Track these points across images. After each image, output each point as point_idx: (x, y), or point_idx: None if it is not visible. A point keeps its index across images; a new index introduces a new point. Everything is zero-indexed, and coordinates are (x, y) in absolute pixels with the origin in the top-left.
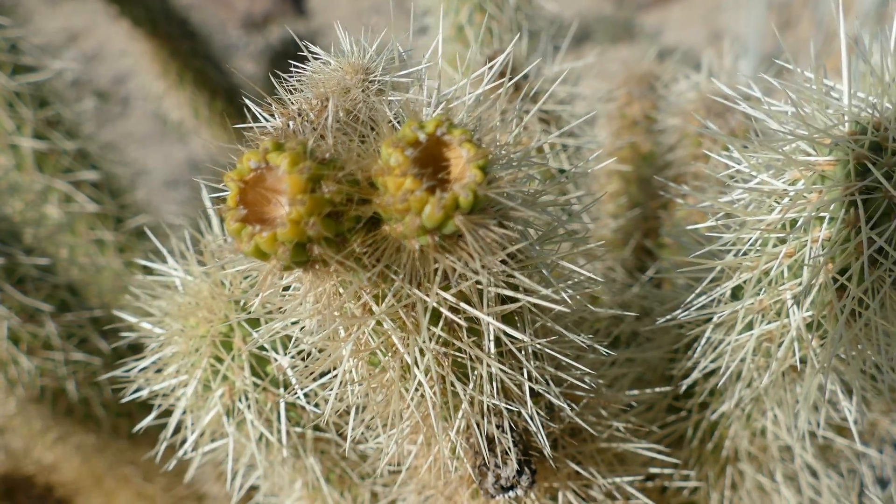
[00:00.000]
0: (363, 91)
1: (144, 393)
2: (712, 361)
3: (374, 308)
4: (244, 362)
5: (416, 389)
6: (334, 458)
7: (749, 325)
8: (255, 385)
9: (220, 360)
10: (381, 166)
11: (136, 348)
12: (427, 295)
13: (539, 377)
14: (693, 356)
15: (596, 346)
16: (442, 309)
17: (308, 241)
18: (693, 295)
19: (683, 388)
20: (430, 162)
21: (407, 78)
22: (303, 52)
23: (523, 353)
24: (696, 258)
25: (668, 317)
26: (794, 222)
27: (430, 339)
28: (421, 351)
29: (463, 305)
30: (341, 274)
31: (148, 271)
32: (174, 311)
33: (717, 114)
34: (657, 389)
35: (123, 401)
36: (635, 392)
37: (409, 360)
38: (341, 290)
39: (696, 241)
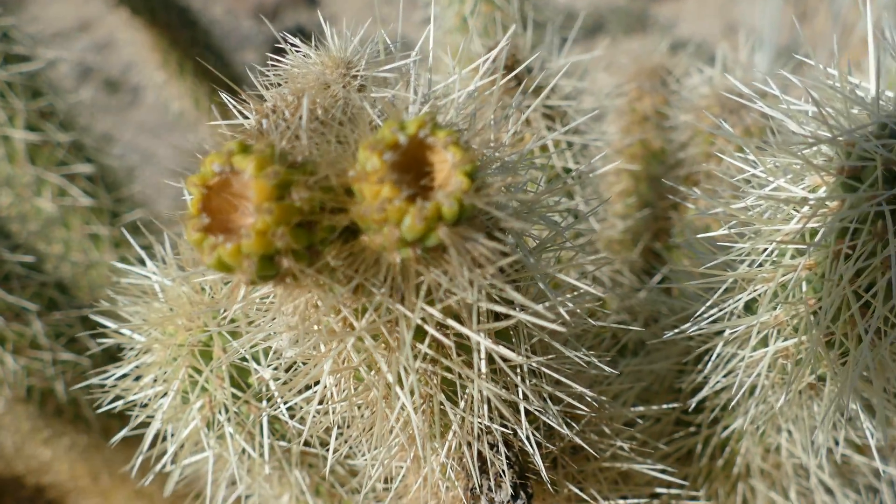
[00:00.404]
0: (344, 87)
1: (120, 404)
2: (724, 377)
3: (355, 323)
4: (224, 373)
5: (402, 409)
6: (323, 472)
7: (764, 341)
8: (236, 397)
9: (198, 371)
10: (358, 172)
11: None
12: (411, 311)
13: (536, 397)
14: (703, 370)
15: (598, 363)
16: (427, 326)
17: (276, 253)
18: (704, 307)
19: (693, 403)
20: (412, 167)
21: (393, 73)
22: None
23: (518, 370)
24: (708, 269)
25: (677, 330)
26: (814, 232)
27: (416, 358)
28: (405, 370)
29: (450, 322)
30: (315, 288)
31: (126, 274)
32: (152, 317)
33: (732, 110)
34: (665, 406)
35: (102, 409)
36: (641, 408)
37: (393, 380)
38: (319, 303)
39: (708, 249)
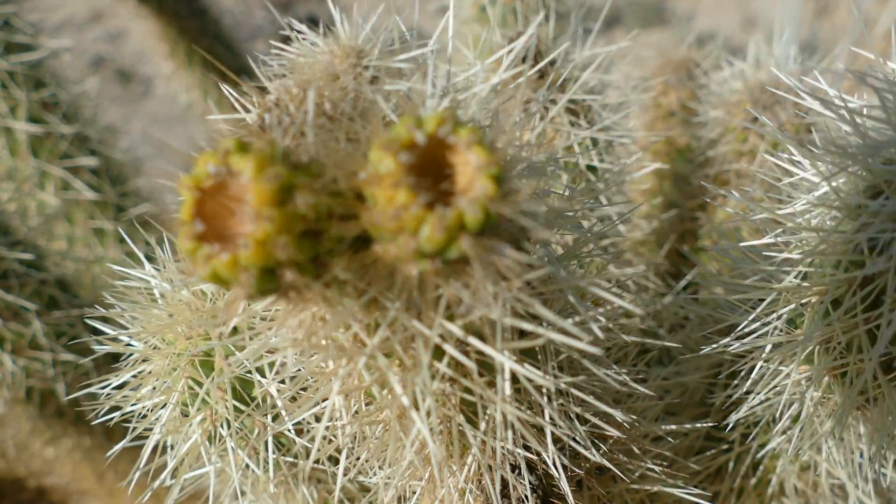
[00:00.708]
0: (354, 78)
1: (117, 415)
2: (764, 395)
3: (366, 340)
4: (226, 385)
5: (418, 432)
6: (332, 487)
7: (809, 358)
8: (239, 411)
9: (199, 383)
10: (370, 174)
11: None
12: (428, 327)
13: (563, 418)
14: (738, 384)
15: (630, 381)
16: (446, 345)
17: (277, 265)
18: (746, 322)
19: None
20: (431, 169)
21: (408, 63)
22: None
23: (544, 391)
24: (754, 283)
25: (716, 346)
26: (873, 243)
27: (433, 379)
28: (422, 392)
29: (472, 340)
30: (322, 303)
31: (123, 277)
32: (150, 325)
33: (766, 106)
34: (698, 425)
35: (99, 419)
36: (672, 427)
37: (408, 404)
38: (326, 318)
39: (746, 256)
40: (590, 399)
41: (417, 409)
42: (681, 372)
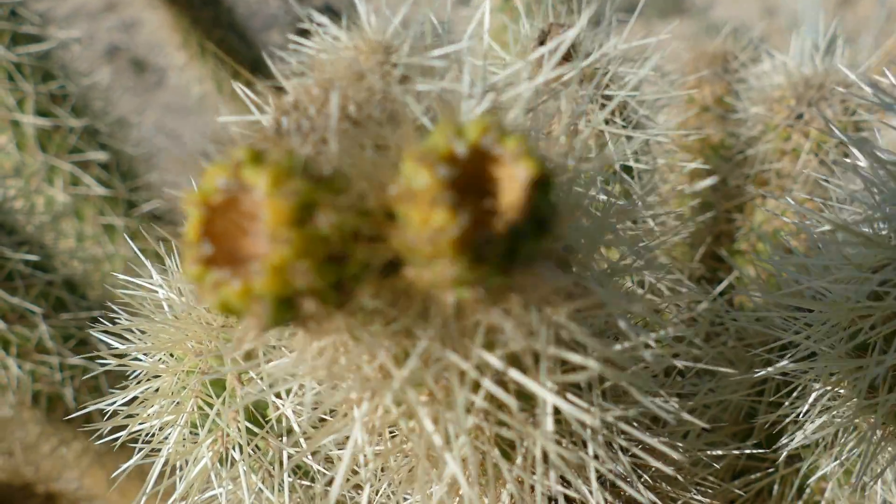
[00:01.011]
0: (383, 77)
1: (123, 435)
2: (818, 421)
3: (393, 372)
4: (239, 405)
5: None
6: None
7: (874, 383)
8: (252, 433)
9: (209, 404)
10: (402, 189)
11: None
12: (465, 358)
13: (607, 451)
14: (786, 403)
15: (680, 410)
16: (484, 379)
17: (295, 294)
18: (799, 338)
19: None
20: (472, 183)
21: (443, 60)
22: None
23: (588, 423)
24: (826, 307)
25: (773, 368)
26: None
27: (468, 414)
28: (455, 430)
29: (512, 373)
30: (344, 332)
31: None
32: (157, 340)
33: (810, 103)
34: (749, 450)
35: (104, 439)
36: (719, 452)
37: (439, 444)
38: (350, 346)
39: (800, 269)
40: (643, 436)
41: (450, 449)
42: (722, 387)
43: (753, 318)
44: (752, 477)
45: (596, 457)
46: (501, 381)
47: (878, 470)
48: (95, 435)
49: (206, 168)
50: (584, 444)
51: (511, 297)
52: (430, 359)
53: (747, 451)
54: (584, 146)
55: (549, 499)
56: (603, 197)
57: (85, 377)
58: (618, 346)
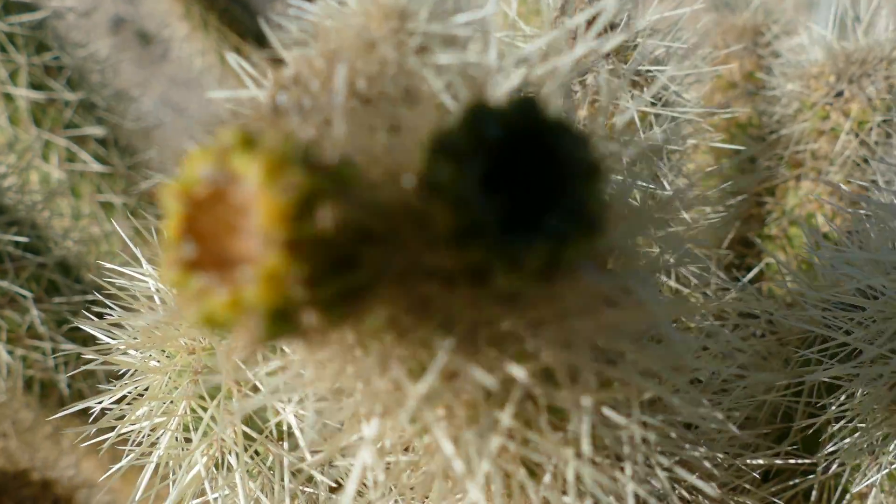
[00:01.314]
0: (397, 48)
1: (112, 437)
2: (862, 429)
3: (407, 387)
4: (235, 411)
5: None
6: None
7: None
8: (250, 438)
9: (203, 407)
10: (424, 181)
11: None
12: (490, 371)
13: (645, 472)
14: (825, 404)
15: (733, 428)
16: (511, 395)
17: (293, 305)
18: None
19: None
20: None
21: (466, 28)
22: None
23: (626, 440)
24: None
25: (816, 373)
26: None
27: (492, 433)
28: (478, 454)
29: (543, 389)
30: (351, 343)
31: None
32: (146, 334)
33: (851, 80)
34: (792, 460)
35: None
36: (761, 461)
37: (460, 470)
38: (357, 359)
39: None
40: (683, 449)
41: (472, 472)
42: (753, 386)
43: (794, 315)
44: (791, 483)
45: (635, 477)
46: (530, 396)
47: None
48: (83, 436)
49: (189, 155)
50: (620, 462)
51: (546, 305)
52: (451, 372)
53: (784, 455)
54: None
55: None
56: (642, 184)
57: (79, 363)
58: (660, 352)
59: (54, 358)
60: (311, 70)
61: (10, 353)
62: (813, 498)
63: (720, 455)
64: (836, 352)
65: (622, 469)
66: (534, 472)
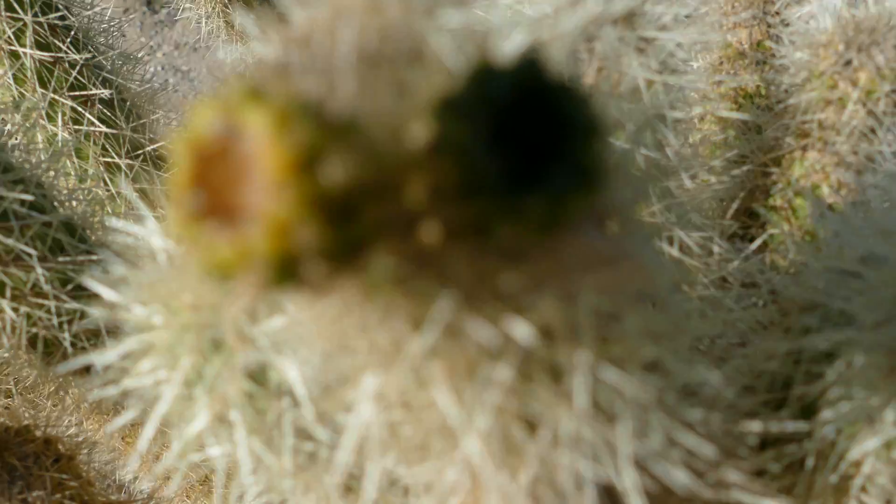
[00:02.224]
0: (403, 8)
1: (113, 391)
2: (857, 397)
3: (408, 342)
4: (238, 366)
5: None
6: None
7: None
8: (252, 395)
9: (205, 363)
10: (424, 139)
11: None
12: (492, 327)
13: (639, 431)
14: (823, 374)
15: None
16: (510, 349)
17: (299, 253)
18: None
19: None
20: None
21: None
22: None
23: (622, 400)
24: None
25: (813, 339)
26: None
27: (492, 390)
28: (476, 409)
29: (543, 343)
30: (354, 293)
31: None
32: (150, 289)
33: (861, 48)
34: (787, 428)
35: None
36: (756, 427)
37: (456, 425)
38: (360, 307)
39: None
40: (681, 411)
41: (469, 427)
42: (753, 354)
43: (794, 283)
44: (786, 450)
45: (628, 435)
46: (529, 352)
47: None
48: (85, 392)
49: (198, 107)
50: (613, 422)
51: (547, 260)
52: (452, 326)
53: (782, 423)
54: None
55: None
56: (643, 150)
57: (83, 322)
58: (658, 316)
59: (58, 316)
60: (317, 29)
61: (15, 310)
62: (808, 465)
63: (717, 418)
64: (838, 321)
65: (617, 428)
66: (531, 429)
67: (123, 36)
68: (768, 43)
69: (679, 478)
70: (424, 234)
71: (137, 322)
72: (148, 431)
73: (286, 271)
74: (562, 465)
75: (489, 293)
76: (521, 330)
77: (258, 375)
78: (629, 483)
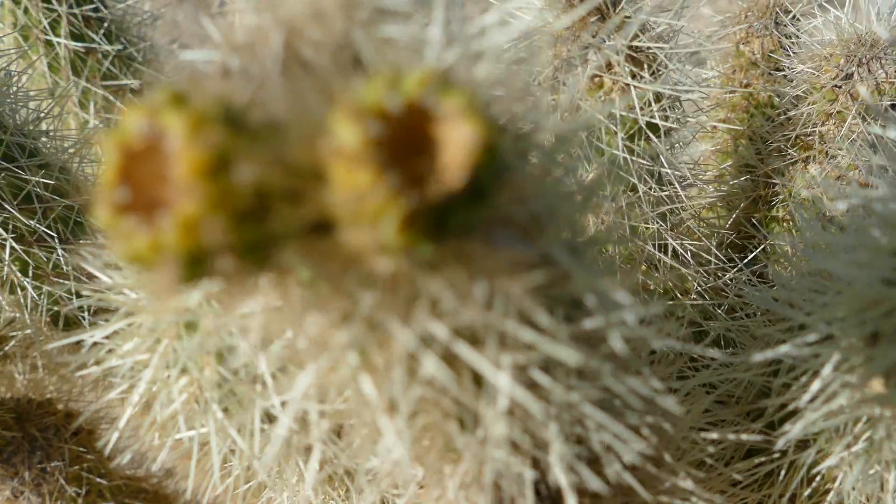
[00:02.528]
0: (347, 17)
1: (97, 371)
2: (823, 411)
3: (333, 335)
4: (210, 350)
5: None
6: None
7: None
8: (224, 379)
9: (181, 346)
10: (331, 145)
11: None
12: (407, 325)
13: (573, 434)
14: (795, 390)
15: (664, 394)
16: (426, 352)
17: (208, 251)
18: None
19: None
20: (411, 144)
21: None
22: None
23: (552, 402)
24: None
25: (776, 351)
26: None
27: (413, 384)
28: (399, 398)
29: (460, 347)
30: (273, 292)
31: None
32: (139, 275)
33: (861, 62)
34: (749, 436)
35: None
36: (714, 435)
37: (376, 415)
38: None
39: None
40: (607, 420)
41: (392, 415)
42: (732, 369)
43: (770, 296)
44: (756, 461)
45: (558, 439)
46: (450, 354)
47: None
48: (73, 368)
49: (126, 110)
50: (543, 426)
51: (452, 267)
52: (373, 323)
53: (754, 434)
54: (588, 86)
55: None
56: (580, 161)
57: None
58: (587, 324)
59: (77, 296)
60: (258, 36)
61: (37, 288)
62: (782, 477)
63: (667, 426)
64: (816, 336)
65: (547, 429)
66: (462, 425)
67: (154, 28)
68: (777, 55)
69: (592, 481)
70: (339, 237)
71: (124, 304)
72: (127, 411)
73: (196, 265)
74: (493, 463)
75: (409, 294)
76: (440, 330)
77: (231, 359)
78: (558, 476)
